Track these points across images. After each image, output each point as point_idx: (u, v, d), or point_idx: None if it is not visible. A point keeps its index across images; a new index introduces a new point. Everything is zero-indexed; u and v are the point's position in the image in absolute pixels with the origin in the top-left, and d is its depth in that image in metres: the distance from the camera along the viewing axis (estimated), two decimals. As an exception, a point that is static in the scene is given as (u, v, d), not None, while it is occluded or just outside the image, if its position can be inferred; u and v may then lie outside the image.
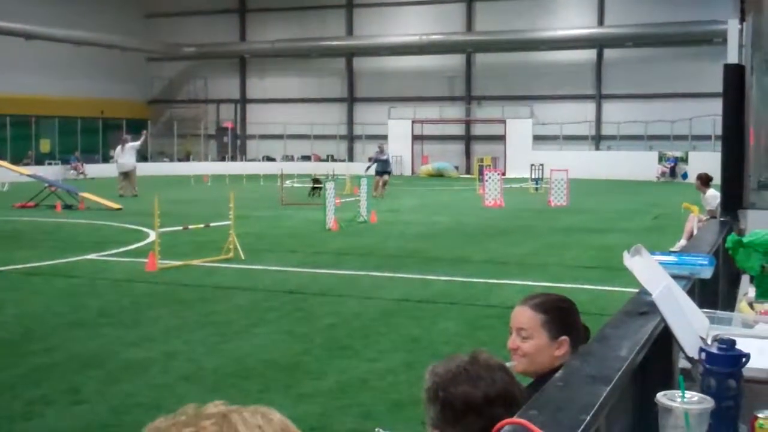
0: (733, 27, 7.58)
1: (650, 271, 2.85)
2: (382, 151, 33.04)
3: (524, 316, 3.07)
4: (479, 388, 2.36)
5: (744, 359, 1.99)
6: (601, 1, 49.68)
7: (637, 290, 3.00)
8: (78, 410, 7.03)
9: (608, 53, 49.93)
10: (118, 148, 33.23)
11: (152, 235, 16.73)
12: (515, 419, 1.71)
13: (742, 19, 7.32)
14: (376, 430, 3.44)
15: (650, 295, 2.59)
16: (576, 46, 49.90)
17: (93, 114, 52.42)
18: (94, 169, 46.76)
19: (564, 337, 3.02)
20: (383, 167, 31.97)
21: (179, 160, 54.59)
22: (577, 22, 49.42)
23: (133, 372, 8.13)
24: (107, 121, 53.73)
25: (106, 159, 51.70)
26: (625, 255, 2.89)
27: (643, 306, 2.71)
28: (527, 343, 3.01)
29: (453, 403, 2.36)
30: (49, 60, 50.09)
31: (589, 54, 50.33)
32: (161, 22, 59.12)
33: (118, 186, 32.00)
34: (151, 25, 59.13)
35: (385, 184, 31.45)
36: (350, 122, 56.54)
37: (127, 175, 32.14)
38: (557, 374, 2.13)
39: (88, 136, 52.27)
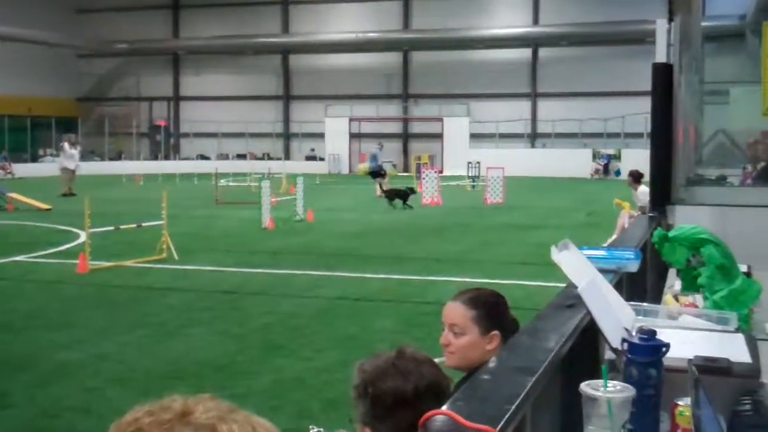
0: (661, 27, 7.70)
1: (577, 265, 2.88)
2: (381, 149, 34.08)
3: (456, 312, 3.08)
4: (408, 382, 2.37)
5: (664, 349, 2.02)
6: (535, 0, 50.24)
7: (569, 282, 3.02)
8: (6, 414, 6.89)
9: (543, 52, 50.54)
10: (66, 145, 32.79)
11: (83, 236, 16.45)
12: (441, 410, 1.71)
13: (671, 19, 7.44)
14: (310, 428, 3.42)
15: (577, 288, 2.62)
16: (512, 45, 50.38)
17: (20, 112, 51.18)
18: (23, 169, 45.67)
19: (495, 332, 3.04)
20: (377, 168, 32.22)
21: (111, 159, 53.73)
22: (513, 21, 49.91)
23: (64, 375, 7.99)
24: (36, 120, 52.43)
25: (35, 158, 50.74)
26: (553, 250, 2.92)
27: (571, 299, 2.74)
28: (459, 339, 3.03)
29: (382, 398, 2.36)
30: (-26, 57, 48.95)
31: (525, 53, 50.87)
32: (92, 18, 58.10)
33: (62, 185, 31.46)
34: (82, 21, 58.08)
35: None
36: (286, 120, 56.30)
37: (71, 173, 31.96)
38: (484, 366, 2.15)
39: (16, 134, 50.99)
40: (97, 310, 11.01)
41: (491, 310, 3.10)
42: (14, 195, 26.35)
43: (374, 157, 33.39)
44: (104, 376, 7.94)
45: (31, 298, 11.80)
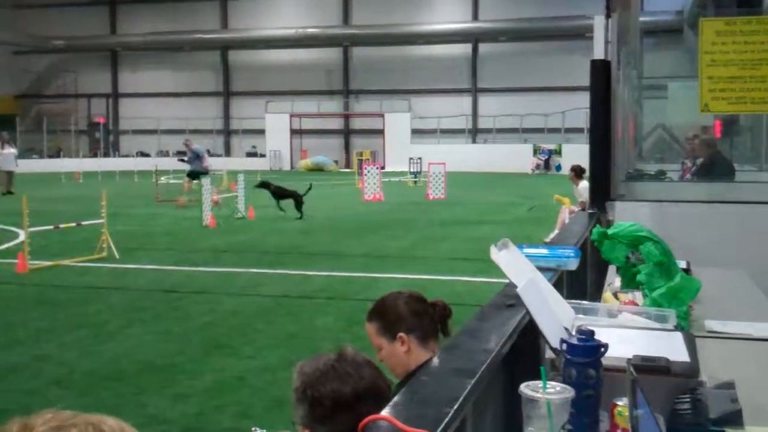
0: (599, 23, 7.78)
1: (516, 265, 2.90)
2: None
3: (367, 331, 3.22)
4: (347, 385, 2.37)
5: (603, 349, 2.04)
6: (475, -4, 50.60)
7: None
8: (-59, 419, 6.72)
9: (483, 48, 50.86)
10: None
11: (22, 235, 16.15)
12: (380, 415, 1.71)
13: (608, 15, 7.51)
14: (253, 429, 3.41)
15: (516, 287, 2.64)
16: (452, 40, 50.62)
17: (-44, 109, 50.24)
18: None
19: (400, 334, 3.09)
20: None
21: (49, 156, 52.83)
22: (453, 17, 50.15)
23: (2, 377, 7.84)
24: (-28, 117, 51.55)
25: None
26: (493, 249, 2.93)
27: (510, 298, 2.75)
28: (380, 353, 3.12)
29: (322, 401, 2.35)
30: None
31: (465, 48, 51.15)
32: (29, 14, 57.05)
33: (2, 184, 30.97)
34: (19, 17, 56.98)
35: None
36: (227, 116, 55.92)
37: (8, 174, 31.55)
38: (423, 369, 2.15)
39: (-49, 132, 50.06)
40: (36, 310, 10.82)
41: (387, 316, 3.16)
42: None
43: (198, 156, 27.33)
44: (44, 377, 7.81)
45: (-34, 300, 11.56)
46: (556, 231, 15.17)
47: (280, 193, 22.30)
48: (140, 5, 56.12)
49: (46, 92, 58.91)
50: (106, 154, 53.95)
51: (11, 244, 16.88)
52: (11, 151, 31.88)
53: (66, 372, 8.00)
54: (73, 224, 16.54)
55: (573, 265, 3.53)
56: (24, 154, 50.87)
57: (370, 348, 3.18)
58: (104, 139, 55.95)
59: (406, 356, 3.10)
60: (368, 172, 28.61)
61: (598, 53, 7.53)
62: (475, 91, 51.18)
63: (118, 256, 14.87)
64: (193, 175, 26.36)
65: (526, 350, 2.59)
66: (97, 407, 6.87)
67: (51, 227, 16.55)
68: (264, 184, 22.14)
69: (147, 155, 52.94)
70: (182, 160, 28.55)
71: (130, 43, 55.66)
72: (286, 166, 51.28)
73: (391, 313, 3.15)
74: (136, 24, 55.60)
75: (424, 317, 3.16)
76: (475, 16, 50.51)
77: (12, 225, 19.29)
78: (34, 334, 9.57)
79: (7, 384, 7.63)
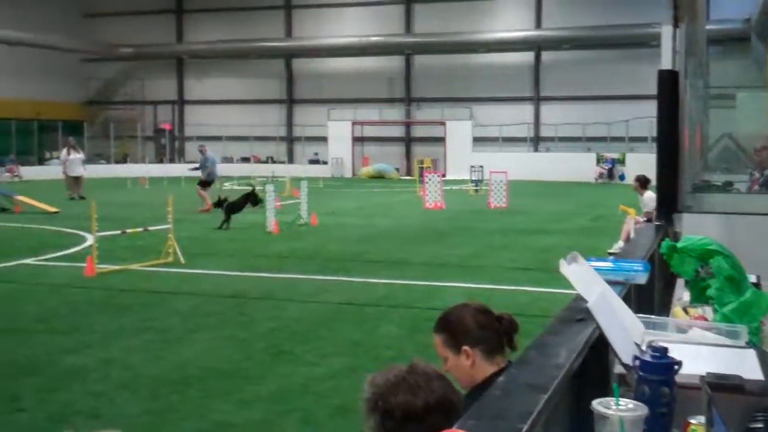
0: (666, 33, 7.71)
1: (586, 279, 2.90)
2: None
3: (435, 343, 3.24)
4: (418, 397, 2.39)
5: (676, 366, 2.04)
6: (538, 4, 50.20)
7: (575, 292, 3.04)
8: (18, 418, 6.92)
9: (546, 56, 50.51)
10: (64, 151, 32.80)
11: (90, 239, 16.51)
12: (453, 430, 1.73)
13: (676, 25, 7.44)
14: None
15: (586, 302, 2.64)
16: (514, 48, 50.36)
17: (28, 116, 51.43)
18: (30, 172, 45.98)
19: (465, 347, 3.10)
20: None
21: (116, 162, 53.84)
22: (516, 25, 49.89)
23: (72, 379, 8.02)
24: (43, 123, 52.73)
25: (42, 161, 50.92)
26: (562, 263, 2.93)
27: (580, 313, 2.75)
28: (446, 364, 3.14)
29: (392, 412, 2.38)
30: (-19, 60, 49.15)
31: (528, 56, 50.84)
32: (97, 23, 58.26)
33: (67, 188, 31.54)
34: (88, 25, 58.19)
35: None
36: (290, 124, 56.34)
37: (77, 178, 31.90)
38: (496, 383, 2.16)
39: (24, 138, 51.32)
40: (104, 314, 11.05)
41: (452, 329, 3.18)
42: (21, 198, 26.43)
43: (212, 161, 27.42)
44: (112, 381, 7.97)
45: (39, 302, 11.84)
46: (621, 242, 15.02)
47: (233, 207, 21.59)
48: (206, 14, 56.88)
49: (113, 99, 60.00)
50: (171, 160, 54.77)
51: (79, 248, 17.23)
52: (77, 156, 32.38)
53: (132, 376, 8.15)
54: (140, 229, 16.86)
55: (642, 278, 3.51)
56: (92, 159, 51.99)
57: (435, 358, 3.21)
58: (170, 145, 56.80)
59: (470, 369, 3.12)
60: (429, 179, 28.59)
61: (666, 63, 7.46)
62: (537, 99, 50.84)
63: (183, 261, 15.09)
64: (206, 183, 26.74)
65: (594, 365, 2.58)
66: (162, 411, 7.02)
67: (118, 232, 16.90)
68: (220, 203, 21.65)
69: (211, 162, 53.52)
70: (195, 169, 28.53)
71: (196, 50, 56.44)
72: (348, 174, 51.50)
73: (457, 326, 3.16)
74: (202, 32, 56.36)
75: (490, 331, 3.16)
76: (538, 24, 50.18)
77: (80, 229, 19.71)
78: (101, 337, 9.77)
79: (77, 386, 7.80)
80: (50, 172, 44.56)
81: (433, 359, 2.90)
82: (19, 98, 51.25)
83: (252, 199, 22.15)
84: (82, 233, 19.17)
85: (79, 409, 7.11)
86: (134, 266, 14.74)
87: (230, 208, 21.31)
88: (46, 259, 15.80)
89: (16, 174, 45.16)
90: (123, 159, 55.08)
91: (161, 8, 57.81)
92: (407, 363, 2.53)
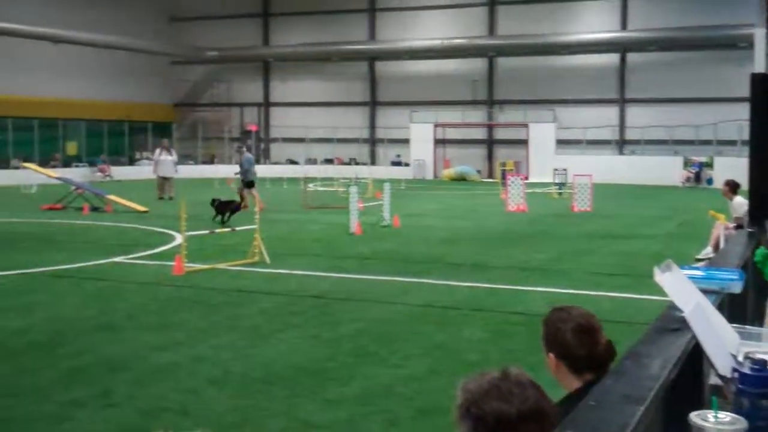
0: (760, 35, 7.57)
1: (681, 287, 2.88)
2: None
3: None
4: (512, 405, 2.39)
5: (776, 380, 2.03)
6: (624, 5, 49.50)
7: (661, 298, 3.01)
8: (109, 413, 7.12)
9: (631, 57, 49.76)
10: (157, 151, 33.61)
11: (178, 239, 16.89)
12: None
13: (769, 27, 7.31)
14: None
15: (680, 311, 2.62)
16: (599, 50, 49.73)
17: (118, 117, 52.87)
18: (121, 172, 47.24)
19: (550, 354, 3.10)
20: None
21: (204, 162, 54.90)
22: (600, 26, 49.27)
23: (161, 376, 8.21)
24: (133, 124, 54.21)
25: (132, 161, 52.26)
26: (656, 271, 2.92)
27: (674, 322, 2.73)
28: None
29: (485, 419, 2.38)
30: (75, 63, 50.66)
31: (613, 58, 50.18)
32: (185, 26, 59.52)
33: (157, 188, 32.32)
34: (176, 29, 59.50)
35: None
36: (372, 126, 56.63)
37: (167, 179, 32.66)
38: (591, 392, 2.16)
39: (114, 138, 52.81)
40: (192, 312, 11.29)
41: (548, 333, 3.18)
42: (112, 197, 27.15)
43: (249, 162, 27.79)
44: (200, 378, 8.14)
45: (129, 299, 12.16)
46: (709, 248, 14.73)
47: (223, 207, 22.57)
48: (292, 17, 57.56)
49: (201, 101, 61.18)
50: (257, 161, 55.45)
51: (168, 246, 17.63)
52: (169, 158, 33.06)
53: (221, 373, 8.32)
54: (227, 229, 17.16)
55: (737, 287, 3.47)
56: (180, 160, 53.03)
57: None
58: (256, 146, 57.65)
59: (556, 372, 3.13)
60: (512, 182, 28.44)
61: (759, 66, 7.33)
62: (622, 102, 50.11)
63: (269, 261, 15.31)
64: (250, 183, 26.90)
65: (689, 377, 2.57)
66: (250, 409, 7.15)
67: (206, 231, 17.24)
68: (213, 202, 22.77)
69: (296, 163, 54.21)
70: (237, 173, 28.49)
71: (282, 53, 57.15)
72: (430, 176, 51.54)
73: (554, 333, 3.15)
74: (288, 35, 57.06)
75: (583, 351, 3.13)
76: (624, 26, 49.46)
77: (169, 228, 20.16)
78: (190, 334, 9.98)
79: (167, 383, 7.99)
80: (140, 172, 45.67)
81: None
82: (111, 100, 52.74)
83: (233, 206, 22.83)
84: (170, 232, 19.62)
85: (168, 406, 7.29)
86: (221, 265, 15.01)
87: (220, 206, 22.51)
88: (136, 258, 16.19)
89: (107, 174, 46.46)
90: (210, 160, 56.09)
91: (248, 12, 58.76)
92: (499, 369, 2.54)
